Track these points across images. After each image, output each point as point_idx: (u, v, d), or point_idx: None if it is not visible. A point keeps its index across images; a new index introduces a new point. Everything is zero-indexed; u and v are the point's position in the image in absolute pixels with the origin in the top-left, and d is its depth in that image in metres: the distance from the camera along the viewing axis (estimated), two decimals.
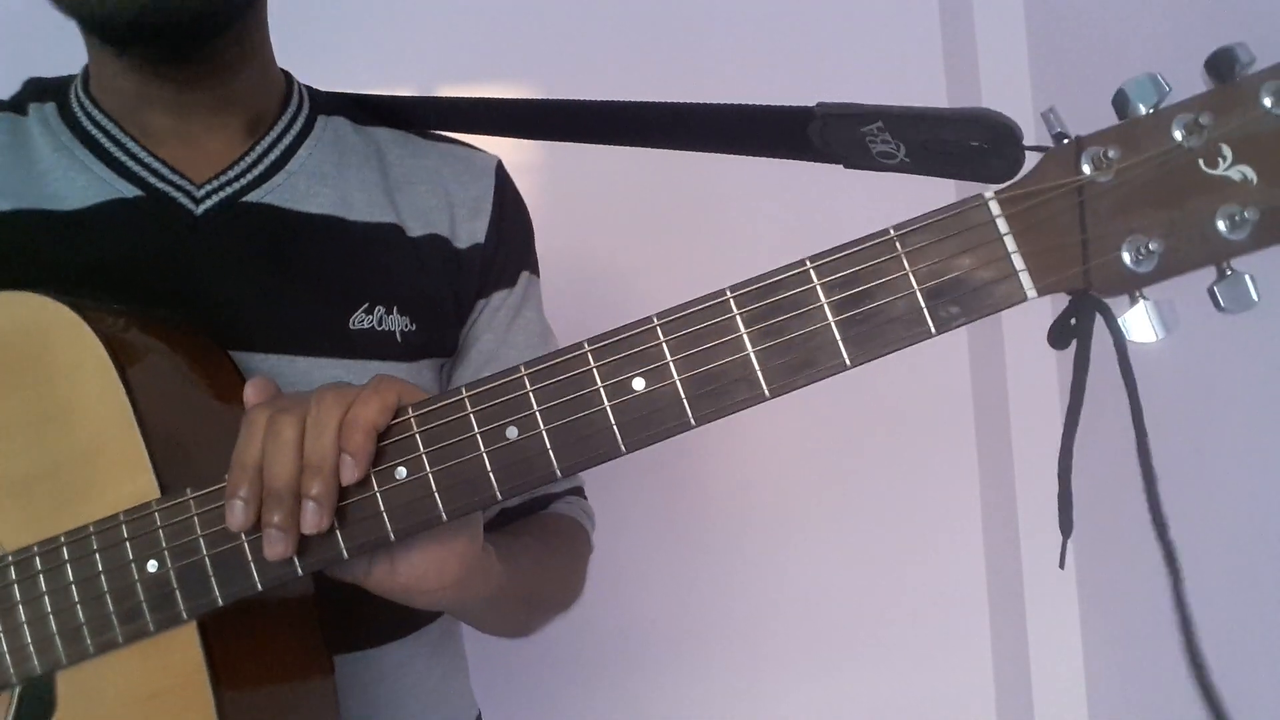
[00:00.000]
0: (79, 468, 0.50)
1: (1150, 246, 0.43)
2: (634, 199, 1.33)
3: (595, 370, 0.45)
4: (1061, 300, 0.46)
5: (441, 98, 0.75)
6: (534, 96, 0.69)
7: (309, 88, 0.75)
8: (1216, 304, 0.46)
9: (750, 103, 0.58)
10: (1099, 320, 0.44)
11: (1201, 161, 0.45)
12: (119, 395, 0.50)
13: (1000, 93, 1.26)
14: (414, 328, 0.69)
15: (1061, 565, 0.46)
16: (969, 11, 1.32)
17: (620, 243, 1.33)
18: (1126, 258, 0.44)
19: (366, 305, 0.67)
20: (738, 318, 0.44)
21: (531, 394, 0.46)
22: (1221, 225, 0.44)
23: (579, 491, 0.81)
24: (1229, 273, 0.46)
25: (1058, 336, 0.46)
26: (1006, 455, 1.33)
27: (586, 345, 0.46)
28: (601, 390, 0.45)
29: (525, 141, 0.74)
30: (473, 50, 1.38)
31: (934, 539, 1.41)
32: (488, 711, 0.82)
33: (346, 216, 0.69)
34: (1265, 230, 0.44)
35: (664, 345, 0.45)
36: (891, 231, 0.44)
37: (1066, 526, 0.45)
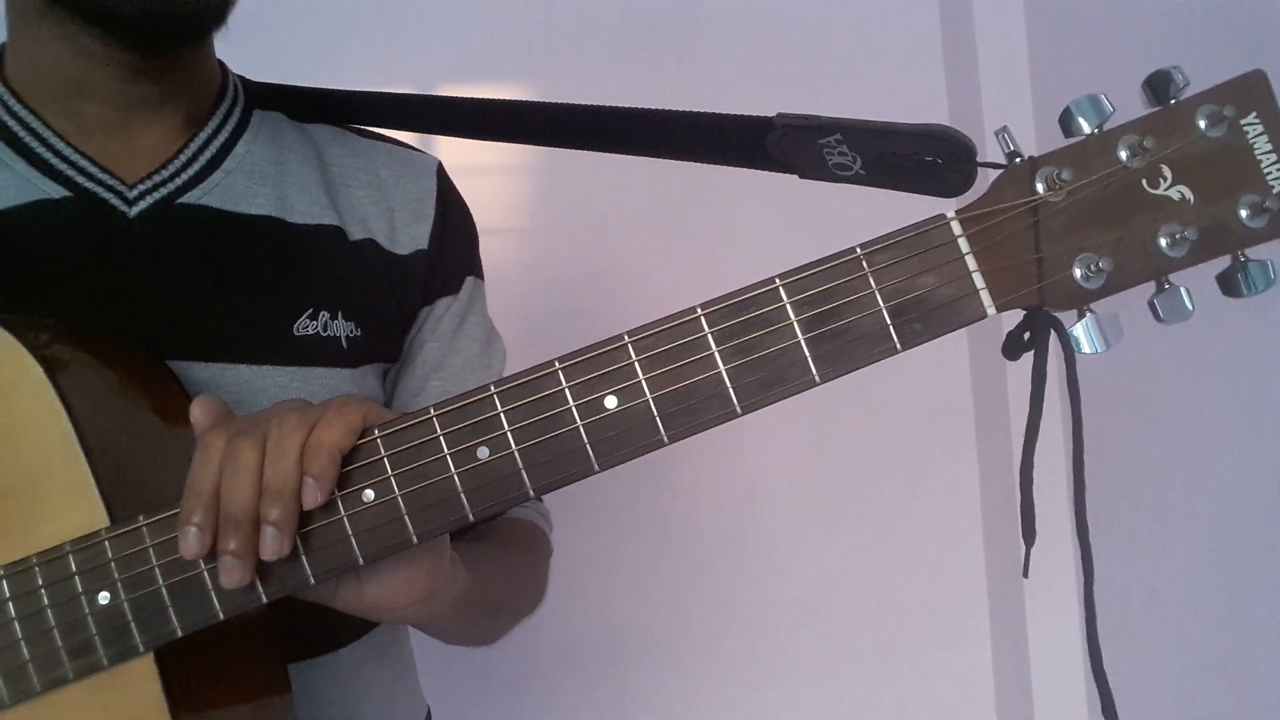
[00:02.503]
0: (20, 496, 0.48)
1: (1100, 265, 0.45)
2: (627, 200, 1.28)
3: (567, 390, 0.45)
4: None
5: (388, 94, 0.73)
6: (529, 99, 0.67)
7: (242, 78, 0.72)
8: (1156, 316, 0.48)
9: (712, 110, 0.58)
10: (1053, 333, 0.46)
11: (1144, 182, 0.47)
12: (61, 420, 0.47)
13: (1000, 87, 1.24)
14: (359, 333, 0.67)
15: (1025, 574, 0.48)
16: (968, 10, 1.30)
17: (613, 244, 1.29)
18: (1078, 274, 0.46)
19: (310, 310, 0.65)
20: (709, 335, 0.45)
21: (503, 414, 0.45)
22: (1163, 243, 0.47)
23: None
24: (1166, 286, 0.48)
25: (1010, 349, 0.48)
26: (1006, 455, 1.31)
27: (557, 364, 0.45)
28: (574, 409, 0.45)
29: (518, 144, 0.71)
30: (467, 51, 1.33)
31: (934, 539, 1.39)
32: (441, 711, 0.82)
33: (286, 218, 0.66)
34: (1203, 248, 0.47)
35: (636, 364, 0.45)
36: (858, 250, 0.45)
37: (1029, 535, 0.47)
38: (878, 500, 1.39)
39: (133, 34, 0.57)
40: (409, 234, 0.71)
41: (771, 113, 0.56)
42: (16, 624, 0.47)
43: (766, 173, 0.57)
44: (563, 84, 1.31)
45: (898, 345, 0.45)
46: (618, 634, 1.37)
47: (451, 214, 0.74)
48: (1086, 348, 0.48)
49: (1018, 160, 0.47)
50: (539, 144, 0.65)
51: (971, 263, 0.45)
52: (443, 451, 0.45)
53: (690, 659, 1.38)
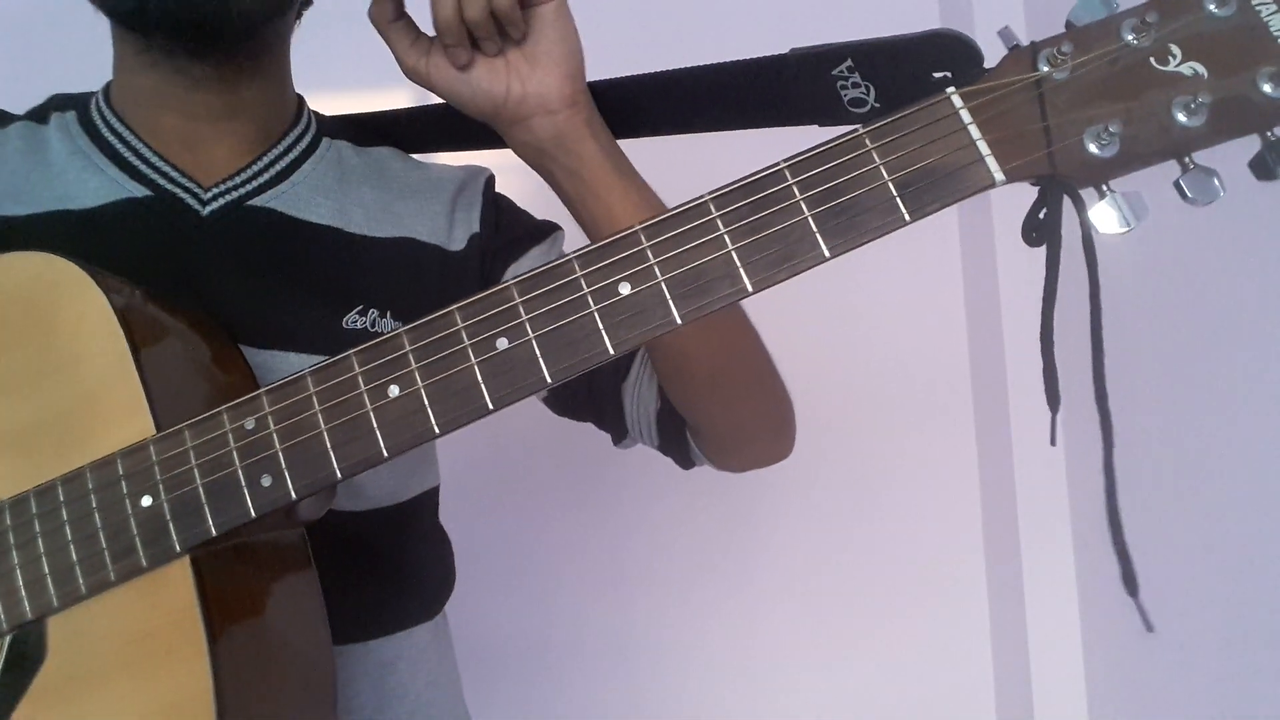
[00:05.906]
0: (80, 416, 0.51)
1: (1111, 129, 0.45)
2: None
3: (582, 278, 0.46)
4: None
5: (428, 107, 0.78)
6: None
7: (316, 113, 0.79)
8: (1183, 195, 0.47)
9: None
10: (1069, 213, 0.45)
11: (1153, 60, 0.47)
12: (119, 343, 0.51)
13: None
14: None
15: (1053, 442, 0.46)
16: None
17: None
18: (1089, 143, 0.46)
19: (360, 307, 0.69)
20: (717, 219, 0.46)
21: (520, 304, 0.47)
22: (1179, 114, 0.46)
23: None
24: (1192, 166, 0.47)
25: (1030, 231, 0.48)
26: (1006, 451, 1.32)
27: (573, 254, 0.47)
28: (588, 295, 0.46)
29: None
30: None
31: (934, 536, 1.40)
32: None
33: (345, 228, 0.71)
34: (1223, 118, 0.46)
35: (647, 250, 0.46)
36: (861, 129, 0.46)
37: (1054, 400, 0.45)
38: (876, 497, 1.38)
39: (168, 34, 0.63)
40: (464, 226, 0.75)
41: None
42: (68, 527, 0.49)
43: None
44: None
45: (906, 216, 0.45)
46: (619, 631, 1.36)
47: (502, 199, 0.78)
48: (1107, 227, 0.47)
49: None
50: None
51: (975, 132, 0.45)
52: (464, 343, 0.47)
53: (686, 657, 1.36)
